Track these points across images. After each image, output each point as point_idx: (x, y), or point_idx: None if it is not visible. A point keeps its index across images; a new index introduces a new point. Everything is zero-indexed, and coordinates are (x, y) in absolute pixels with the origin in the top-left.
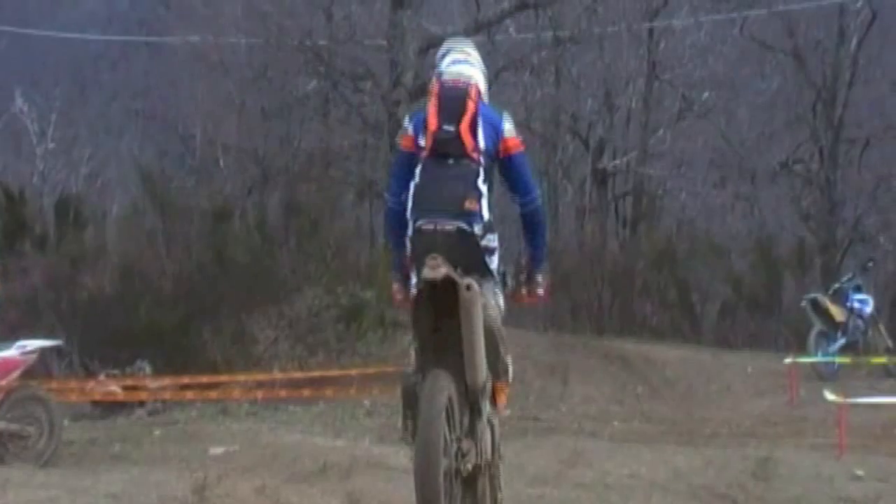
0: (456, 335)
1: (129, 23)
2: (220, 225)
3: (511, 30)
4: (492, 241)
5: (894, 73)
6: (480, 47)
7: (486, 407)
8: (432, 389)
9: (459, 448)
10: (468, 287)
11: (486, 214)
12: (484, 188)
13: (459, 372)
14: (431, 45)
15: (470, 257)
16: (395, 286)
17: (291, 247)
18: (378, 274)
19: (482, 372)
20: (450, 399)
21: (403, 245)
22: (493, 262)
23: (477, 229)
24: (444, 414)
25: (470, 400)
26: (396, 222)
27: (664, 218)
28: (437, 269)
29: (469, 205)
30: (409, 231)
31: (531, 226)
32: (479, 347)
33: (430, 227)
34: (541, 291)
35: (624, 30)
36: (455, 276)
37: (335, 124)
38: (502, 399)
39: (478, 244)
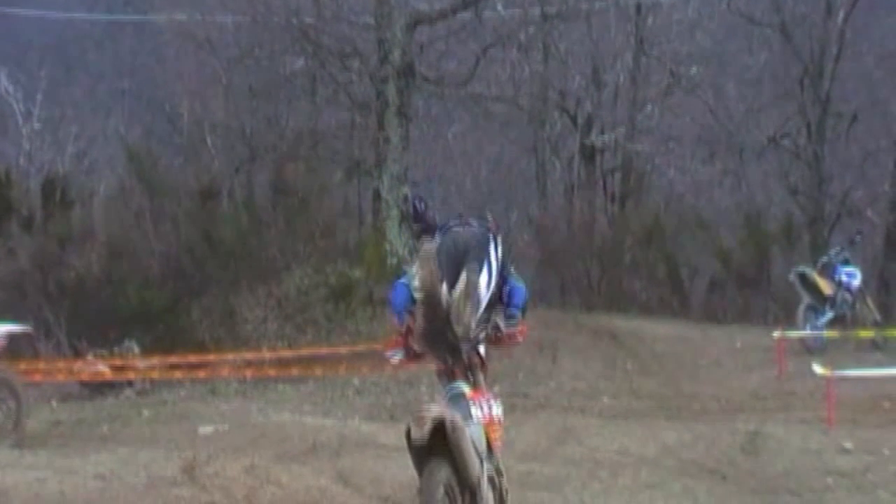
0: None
1: (114, 1)
2: (207, 204)
3: (499, 6)
4: (493, 254)
5: (881, 46)
6: (467, 23)
7: (485, 470)
8: (430, 482)
9: None
10: (454, 428)
11: (499, 244)
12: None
13: (454, 464)
14: (419, 22)
15: (479, 244)
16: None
17: (279, 226)
18: (366, 253)
19: (475, 477)
20: (447, 488)
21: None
22: (486, 290)
23: (491, 237)
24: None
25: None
26: (403, 292)
27: (652, 193)
28: (423, 426)
29: (491, 216)
30: (437, 236)
31: (512, 293)
32: (470, 468)
33: (456, 222)
34: (518, 337)
35: (611, 5)
36: (442, 416)
37: (323, 103)
38: (497, 447)
39: (487, 244)
